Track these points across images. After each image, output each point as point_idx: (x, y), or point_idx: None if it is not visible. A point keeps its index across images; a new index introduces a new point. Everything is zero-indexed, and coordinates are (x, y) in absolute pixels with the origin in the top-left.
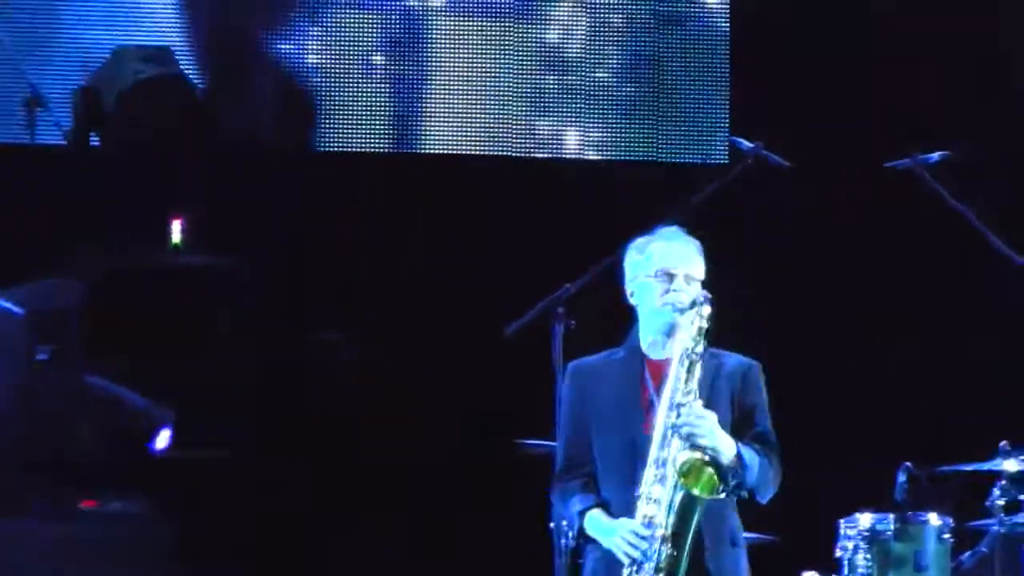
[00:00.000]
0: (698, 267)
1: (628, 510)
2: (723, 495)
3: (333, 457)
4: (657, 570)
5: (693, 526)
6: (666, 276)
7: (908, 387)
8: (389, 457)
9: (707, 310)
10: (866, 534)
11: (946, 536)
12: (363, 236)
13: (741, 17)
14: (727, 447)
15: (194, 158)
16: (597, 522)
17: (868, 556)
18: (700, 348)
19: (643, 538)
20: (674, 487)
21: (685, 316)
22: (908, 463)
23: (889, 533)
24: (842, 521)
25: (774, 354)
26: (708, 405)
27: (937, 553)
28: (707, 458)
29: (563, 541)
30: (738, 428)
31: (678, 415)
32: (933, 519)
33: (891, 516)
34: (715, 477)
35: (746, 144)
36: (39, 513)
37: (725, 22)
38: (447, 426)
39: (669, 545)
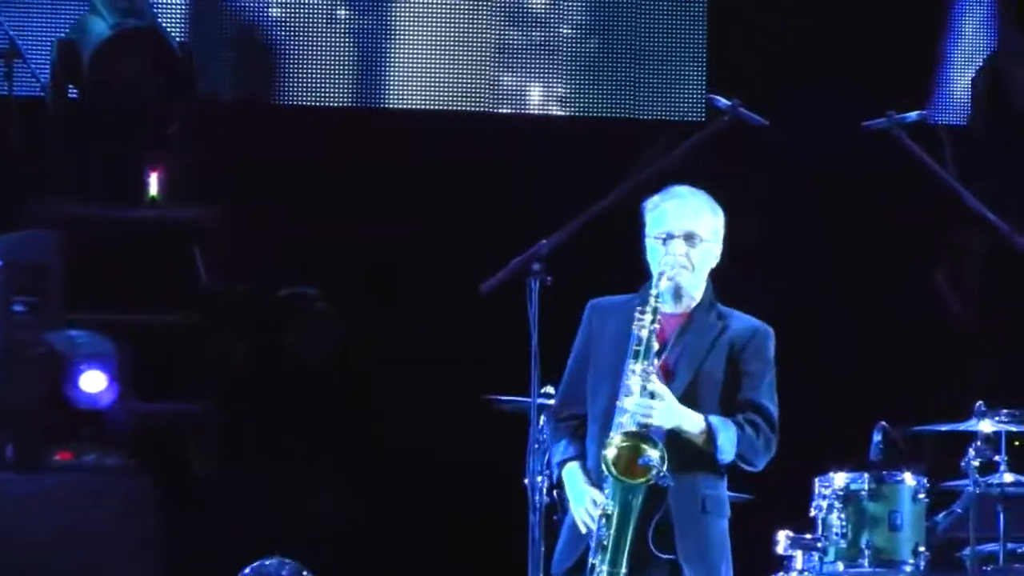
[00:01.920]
0: (703, 224)
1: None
2: (664, 476)
3: (304, 410)
4: (599, 548)
5: (637, 507)
6: (664, 238)
7: (885, 346)
8: (362, 411)
9: (664, 284)
10: (841, 493)
11: (921, 496)
12: (332, 190)
13: None
14: (692, 423)
15: (171, 110)
16: (572, 479)
17: (843, 515)
18: (653, 323)
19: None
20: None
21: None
22: (883, 423)
23: (864, 492)
24: (817, 480)
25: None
26: (702, 367)
27: (912, 513)
28: (641, 439)
29: (537, 497)
30: (729, 392)
31: (626, 397)
32: (908, 479)
33: (866, 476)
34: (653, 458)
35: (723, 101)
36: (14, 464)
37: None
38: (421, 381)
39: (612, 525)
